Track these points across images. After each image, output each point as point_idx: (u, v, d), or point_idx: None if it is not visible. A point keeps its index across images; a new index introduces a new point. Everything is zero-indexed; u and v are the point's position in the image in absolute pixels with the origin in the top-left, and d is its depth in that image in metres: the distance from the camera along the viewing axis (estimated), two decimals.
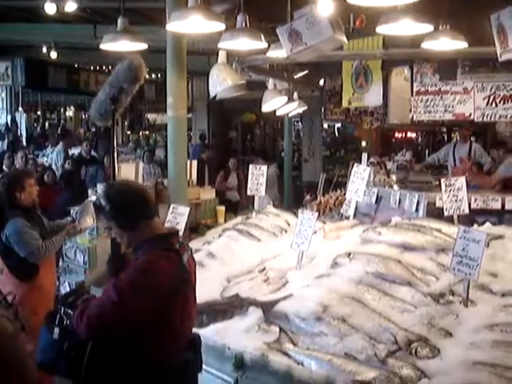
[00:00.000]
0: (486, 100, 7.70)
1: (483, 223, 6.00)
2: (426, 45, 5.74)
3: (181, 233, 5.76)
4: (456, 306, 4.47)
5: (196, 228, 7.25)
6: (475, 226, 5.81)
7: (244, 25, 5.24)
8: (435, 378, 3.67)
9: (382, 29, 5.00)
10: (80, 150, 14.80)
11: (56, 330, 3.14)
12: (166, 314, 3.09)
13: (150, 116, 26.17)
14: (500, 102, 7.64)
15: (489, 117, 7.74)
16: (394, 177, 8.97)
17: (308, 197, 9.35)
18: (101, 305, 3.01)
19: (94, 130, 22.21)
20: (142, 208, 3.23)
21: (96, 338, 3.03)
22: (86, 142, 14.91)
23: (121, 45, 5.57)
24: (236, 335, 4.25)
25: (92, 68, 20.41)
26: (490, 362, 3.70)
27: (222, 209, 8.00)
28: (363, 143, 17.33)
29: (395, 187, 7.77)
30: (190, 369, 3.28)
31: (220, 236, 6.28)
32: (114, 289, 2.99)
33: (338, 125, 24.31)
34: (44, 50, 15.10)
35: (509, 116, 7.70)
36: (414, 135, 23.14)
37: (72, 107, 26.63)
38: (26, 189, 5.34)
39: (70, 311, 3.19)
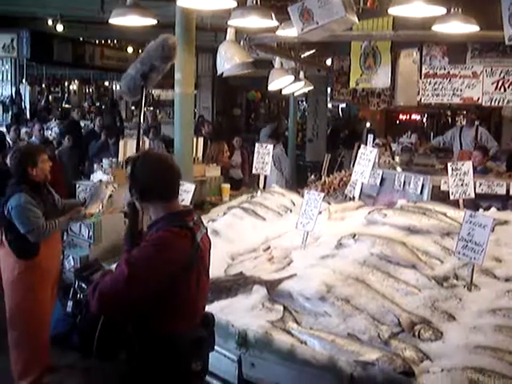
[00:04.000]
0: (495, 85, 7.68)
1: (488, 208, 6.01)
2: (437, 27, 5.69)
3: None
4: (460, 290, 4.49)
5: (201, 205, 7.26)
6: (480, 210, 5.82)
7: (254, 2, 5.20)
8: (437, 361, 3.69)
9: (395, 10, 4.96)
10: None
11: (69, 304, 3.16)
12: (178, 290, 3.10)
13: (155, 92, 26.07)
14: (509, 86, 7.61)
15: (497, 101, 7.71)
16: (398, 159, 8.96)
17: (312, 177, 9.34)
18: (113, 280, 3.01)
19: (98, 104, 22.12)
20: (162, 189, 3.21)
21: (107, 314, 3.05)
22: (99, 117, 14.76)
23: (130, 19, 5.52)
24: (240, 313, 4.27)
25: (97, 42, 20.27)
26: (492, 346, 3.72)
27: (226, 186, 7.99)
28: (368, 124, 17.27)
29: (399, 169, 7.77)
30: (202, 346, 3.29)
31: (225, 214, 6.28)
32: (127, 264, 3.00)
33: (343, 105, 24.21)
34: (50, 22, 15.00)
35: None
36: (418, 117, 23.08)
37: (76, 81, 26.53)
38: (39, 164, 5.29)
39: (84, 285, 3.20)
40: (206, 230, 3.47)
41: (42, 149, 5.78)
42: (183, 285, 3.12)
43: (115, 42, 20.78)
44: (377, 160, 7.62)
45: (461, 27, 5.59)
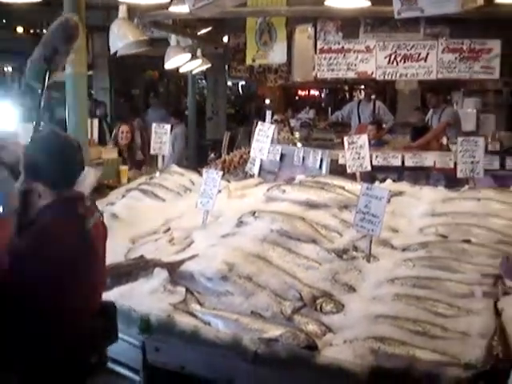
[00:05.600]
0: (388, 59, 7.83)
1: (384, 180, 6.13)
2: (330, 2, 5.73)
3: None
4: (359, 262, 4.57)
5: (98, 189, 7.05)
6: (376, 182, 5.93)
7: None
8: (340, 333, 3.74)
9: None
10: None
11: None
12: (64, 282, 2.96)
13: None
14: (400, 60, 7.78)
15: (390, 75, 7.88)
16: (297, 134, 9.04)
17: (212, 155, 9.29)
18: None
19: None
20: (49, 175, 3.02)
21: None
22: None
23: None
24: (141, 297, 4.18)
25: None
26: (392, 315, 3.80)
27: (125, 168, 7.80)
28: (267, 101, 17.33)
29: (299, 145, 7.82)
30: (98, 337, 3.17)
31: (123, 197, 6.15)
32: (9, 256, 2.84)
33: (243, 82, 24.23)
34: None
35: (409, 74, 7.86)
36: (317, 93, 23.41)
37: None
38: None
39: None
40: (102, 215, 3.34)
41: None
42: (71, 276, 2.98)
43: (4, 21, 19.87)
44: (276, 136, 7.65)
45: (353, 2, 5.67)
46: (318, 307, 4.02)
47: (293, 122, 10.90)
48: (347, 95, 22.19)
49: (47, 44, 3.82)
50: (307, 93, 22.78)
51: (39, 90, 3.98)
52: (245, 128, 12.97)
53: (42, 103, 4.01)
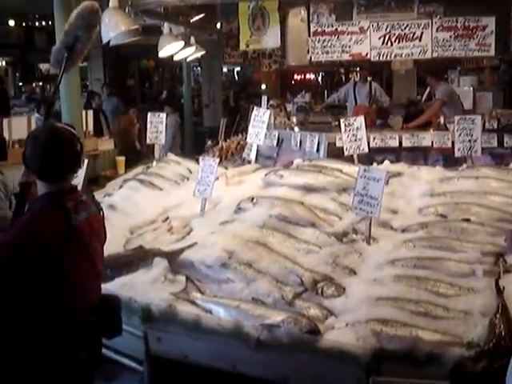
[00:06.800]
0: (382, 39, 7.76)
1: (382, 161, 6.10)
2: None
3: (80, 187, 5.60)
4: (359, 244, 4.56)
5: (95, 180, 7.05)
6: (374, 164, 5.91)
7: None
8: (341, 316, 3.75)
9: None
10: None
11: None
12: (50, 277, 2.93)
13: (43, 66, 25.08)
14: (395, 41, 7.71)
15: (385, 56, 7.80)
16: (294, 119, 8.99)
17: (210, 142, 9.25)
18: None
19: None
20: (40, 167, 3.01)
21: None
22: None
23: None
24: (142, 287, 4.18)
25: None
26: (393, 297, 3.81)
27: (121, 159, 7.79)
28: (263, 86, 17.26)
29: (296, 129, 7.79)
30: (90, 332, 3.14)
31: (121, 187, 6.13)
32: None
33: (238, 68, 24.14)
34: None
35: (404, 54, 7.79)
36: (313, 77, 23.32)
37: None
38: None
39: None
40: (99, 208, 3.31)
41: None
42: (54, 270, 2.94)
43: None
44: (272, 121, 7.61)
45: None
46: (319, 291, 4.01)
47: (289, 107, 10.84)
48: (343, 78, 22.10)
49: (69, 32, 3.81)
50: (303, 77, 22.68)
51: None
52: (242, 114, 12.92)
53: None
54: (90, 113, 7.95)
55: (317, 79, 23.74)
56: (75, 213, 3.01)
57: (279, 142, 7.34)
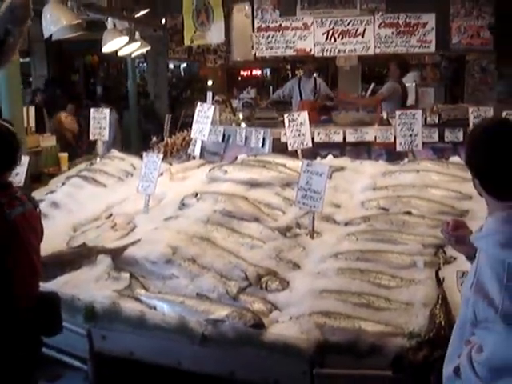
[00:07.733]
0: (325, 35, 7.83)
1: (326, 156, 6.15)
2: None
3: (21, 183, 5.50)
4: (303, 238, 4.60)
5: (38, 177, 6.92)
6: (318, 159, 5.95)
7: None
8: (286, 310, 3.78)
9: None
10: None
11: None
12: None
13: None
14: (338, 36, 7.79)
15: (328, 52, 7.88)
16: (240, 114, 8.99)
17: (155, 139, 9.18)
18: None
19: None
20: None
21: None
22: None
23: None
24: (85, 285, 4.14)
25: None
26: (336, 289, 3.85)
27: (64, 156, 7.66)
28: (209, 82, 17.20)
29: (242, 125, 7.80)
30: (27, 330, 3.08)
31: (63, 184, 6.04)
32: None
33: (184, 65, 23.96)
34: None
35: (347, 50, 7.88)
36: (259, 73, 23.34)
37: None
38: None
39: None
40: (35, 204, 3.26)
41: None
42: None
43: None
44: (218, 117, 7.60)
45: None
46: (264, 285, 4.04)
47: (235, 103, 10.83)
48: (290, 74, 22.19)
49: None
50: (250, 73, 22.67)
51: None
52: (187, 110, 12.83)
53: None
54: (32, 109, 7.78)
55: (263, 75, 23.77)
56: (10, 208, 2.97)
57: (225, 137, 7.33)
